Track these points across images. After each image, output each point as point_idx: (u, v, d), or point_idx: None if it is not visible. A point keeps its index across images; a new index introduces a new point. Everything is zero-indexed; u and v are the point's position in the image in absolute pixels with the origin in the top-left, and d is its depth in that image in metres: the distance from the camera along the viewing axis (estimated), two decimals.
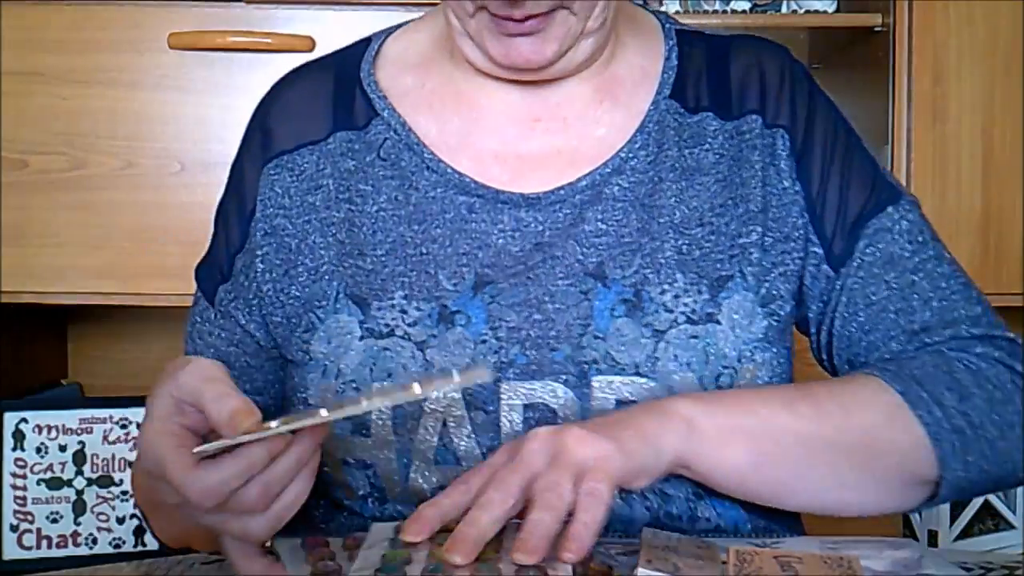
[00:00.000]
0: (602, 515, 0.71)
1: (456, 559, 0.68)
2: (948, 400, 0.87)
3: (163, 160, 1.60)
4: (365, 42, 1.01)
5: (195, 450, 0.70)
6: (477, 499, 0.72)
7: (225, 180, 1.01)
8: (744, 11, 1.74)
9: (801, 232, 0.94)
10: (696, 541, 0.78)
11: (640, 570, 0.69)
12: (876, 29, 1.65)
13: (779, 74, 0.96)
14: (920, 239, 0.95)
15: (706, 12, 1.74)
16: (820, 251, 0.94)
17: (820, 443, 0.85)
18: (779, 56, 0.98)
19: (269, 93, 1.01)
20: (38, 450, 1.76)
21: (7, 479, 1.75)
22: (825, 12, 1.73)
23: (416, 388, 0.69)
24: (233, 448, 0.69)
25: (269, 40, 1.58)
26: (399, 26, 1.02)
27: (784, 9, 1.75)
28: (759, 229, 0.92)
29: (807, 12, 1.73)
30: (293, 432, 0.71)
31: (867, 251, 0.93)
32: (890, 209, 0.94)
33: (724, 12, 1.73)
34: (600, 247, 0.91)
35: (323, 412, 0.69)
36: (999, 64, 1.61)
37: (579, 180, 0.92)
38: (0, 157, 1.59)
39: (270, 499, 0.70)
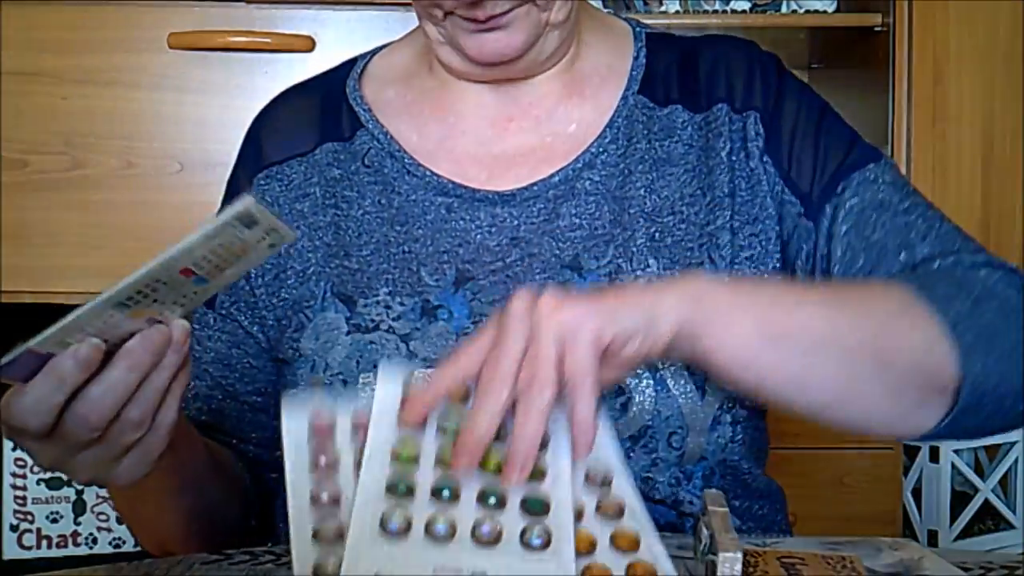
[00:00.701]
0: (591, 393, 0.69)
1: (463, 465, 0.68)
2: (962, 304, 0.82)
3: (162, 160, 1.61)
4: (351, 62, 1.05)
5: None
6: (476, 386, 0.71)
7: (224, 180, 1.03)
8: (744, 11, 1.74)
9: (772, 209, 0.94)
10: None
11: None
12: (876, 29, 1.66)
13: (746, 63, 0.98)
14: (906, 190, 0.94)
15: (706, 12, 1.74)
16: (799, 207, 0.94)
17: (834, 325, 0.79)
18: (745, 49, 1.00)
19: (262, 111, 1.05)
20: None
21: (7, 479, 1.75)
22: (825, 12, 1.74)
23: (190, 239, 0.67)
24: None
25: (269, 40, 1.58)
26: (383, 47, 1.07)
27: (784, 9, 1.75)
28: (727, 214, 0.94)
29: (807, 12, 1.74)
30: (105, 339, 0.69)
31: (854, 200, 0.93)
32: (872, 166, 0.94)
33: (724, 12, 1.73)
34: (575, 240, 0.93)
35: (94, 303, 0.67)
36: (999, 64, 1.61)
37: (552, 176, 0.95)
38: (0, 157, 1.59)
39: (117, 405, 0.70)
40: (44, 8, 1.59)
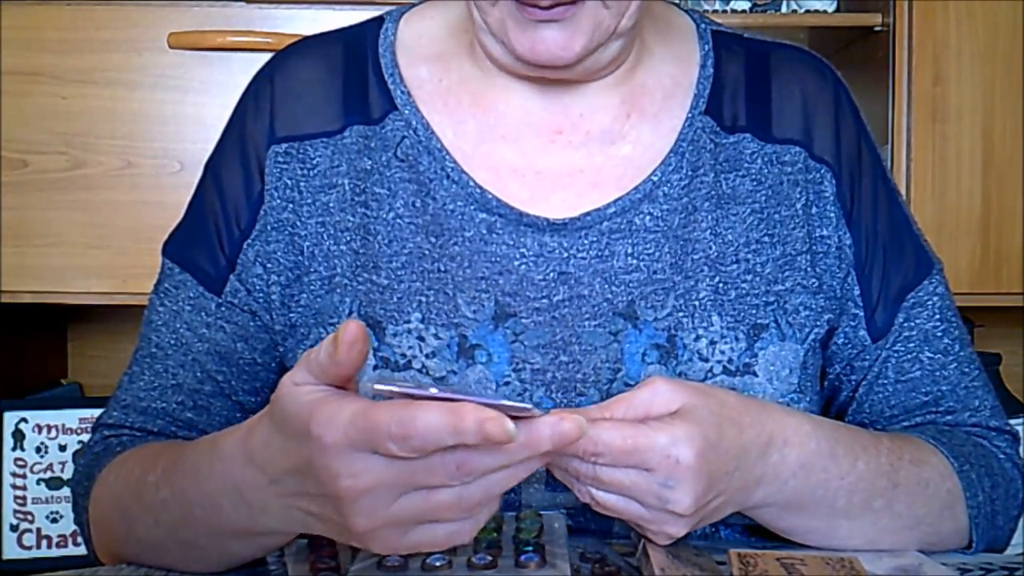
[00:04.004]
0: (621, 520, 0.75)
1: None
2: (986, 485, 0.88)
3: (162, 160, 1.60)
4: (377, 22, 0.93)
5: (376, 387, 0.61)
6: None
7: None
8: (744, 11, 1.74)
9: (838, 288, 0.91)
10: (692, 546, 0.78)
11: None
12: (876, 29, 1.65)
13: (823, 99, 0.93)
14: (949, 316, 0.94)
15: (706, 12, 1.73)
16: (861, 315, 0.91)
17: (875, 530, 0.84)
18: (823, 76, 0.94)
19: (274, 63, 0.93)
20: (38, 450, 1.76)
21: (7, 479, 1.75)
22: (825, 12, 1.73)
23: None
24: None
25: (269, 40, 1.58)
26: (406, 8, 0.94)
27: (784, 9, 1.75)
28: (797, 276, 0.89)
29: (807, 12, 1.73)
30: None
31: (905, 326, 0.92)
32: (925, 282, 0.93)
33: (724, 12, 1.73)
34: (631, 284, 0.86)
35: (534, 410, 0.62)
36: (999, 64, 1.61)
37: (607, 206, 0.87)
38: (0, 157, 1.58)
39: (475, 474, 0.61)
40: (44, 8, 1.58)
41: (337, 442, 0.61)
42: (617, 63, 0.88)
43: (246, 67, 1.59)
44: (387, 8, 0.96)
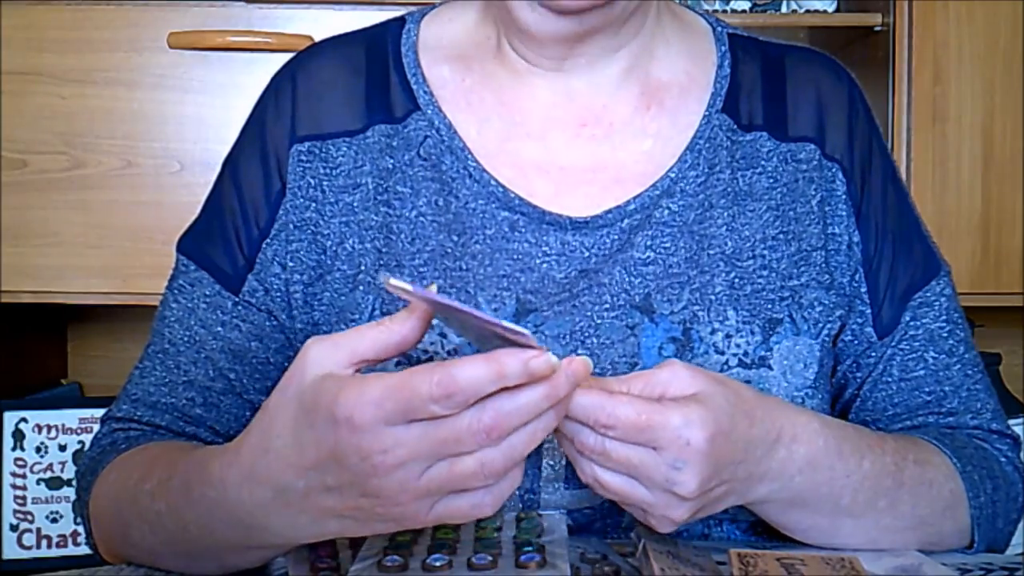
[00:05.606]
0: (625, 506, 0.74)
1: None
2: (988, 487, 0.89)
3: (162, 160, 1.60)
4: (398, 23, 0.94)
5: (390, 281, 0.61)
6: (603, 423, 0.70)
7: None
8: (744, 11, 1.74)
9: (846, 285, 0.92)
10: (692, 546, 0.78)
11: None
12: (876, 29, 1.66)
13: (837, 99, 0.94)
14: (955, 318, 0.95)
15: (706, 12, 1.73)
16: (868, 312, 0.92)
17: (878, 529, 0.84)
18: (838, 77, 0.95)
19: (295, 63, 0.94)
20: (38, 450, 1.76)
21: (7, 479, 1.75)
22: (825, 12, 1.73)
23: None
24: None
25: (269, 40, 1.58)
26: (427, 9, 0.95)
27: (784, 9, 1.75)
28: (812, 272, 0.90)
29: (807, 12, 1.73)
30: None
31: (911, 324, 0.93)
32: (933, 283, 0.94)
33: (724, 12, 1.73)
34: (647, 276, 0.87)
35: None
36: (999, 64, 1.61)
37: (628, 203, 0.88)
38: (0, 157, 1.59)
39: (503, 435, 0.61)
40: (44, 8, 1.58)
41: (367, 420, 0.61)
42: (630, 32, 0.89)
43: (246, 67, 1.60)
44: (390, 8, 0.96)
